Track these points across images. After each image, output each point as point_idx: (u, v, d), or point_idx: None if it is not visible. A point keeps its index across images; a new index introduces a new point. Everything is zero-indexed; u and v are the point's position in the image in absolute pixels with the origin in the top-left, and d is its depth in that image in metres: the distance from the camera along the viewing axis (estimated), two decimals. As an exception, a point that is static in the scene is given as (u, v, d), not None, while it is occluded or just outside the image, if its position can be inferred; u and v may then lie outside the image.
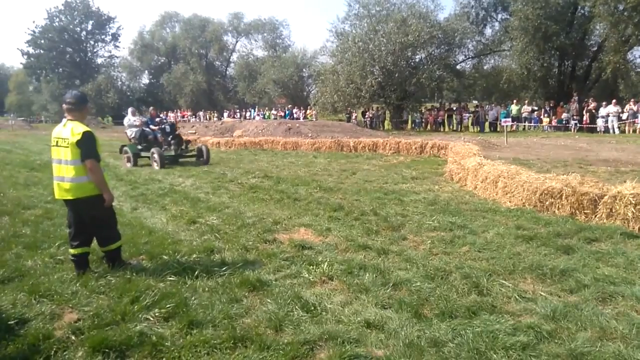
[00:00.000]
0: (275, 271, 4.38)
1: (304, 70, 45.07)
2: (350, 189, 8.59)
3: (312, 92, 42.39)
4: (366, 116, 31.12)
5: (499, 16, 32.69)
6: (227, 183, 9.56)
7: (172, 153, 12.96)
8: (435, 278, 4.09)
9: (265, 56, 49.57)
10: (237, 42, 55.09)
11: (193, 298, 3.74)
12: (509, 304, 3.60)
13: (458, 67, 33.16)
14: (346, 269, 4.31)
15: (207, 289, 3.94)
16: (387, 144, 15.86)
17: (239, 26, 53.42)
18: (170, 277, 4.19)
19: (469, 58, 33.89)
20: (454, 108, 29.57)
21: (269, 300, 3.68)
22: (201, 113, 45.40)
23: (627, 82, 28.86)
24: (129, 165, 12.95)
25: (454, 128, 27.38)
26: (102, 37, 61.64)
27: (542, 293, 3.78)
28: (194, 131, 26.93)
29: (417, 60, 30.73)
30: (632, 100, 22.93)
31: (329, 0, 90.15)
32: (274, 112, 37.87)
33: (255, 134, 21.64)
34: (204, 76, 51.99)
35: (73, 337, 3.19)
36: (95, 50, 62.61)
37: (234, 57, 55.35)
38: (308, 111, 34.51)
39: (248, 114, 41.01)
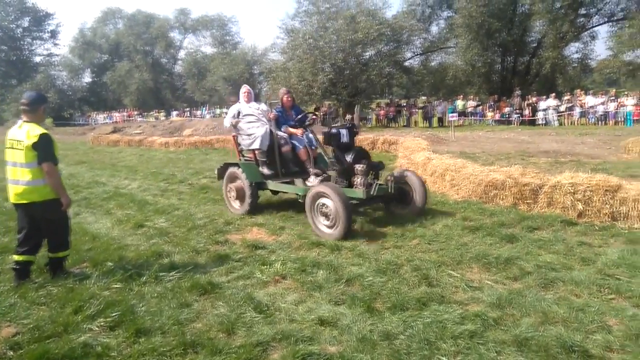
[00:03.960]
0: (227, 273, 4.30)
1: (254, 67, 44.62)
2: (303, 186, 8.57)
3: (264, 89, 42.05)
4: (319, 113, 31.22)
5: (444, 14, 33.66)
6: (177, 184, 9.31)
7: (362, 194, 5.58)
8: (386, 272, 4.15)
9: (214, 53, 48.68)
10: (184, 38, 53.82)
11: (140, 305, 3.61)
12: (457, 294, 3.70)
13: (406, 63, 33.82)
14: (300, 267, 4.30)
15: (155, 294, 3.81)
16: (339, 140, 15.92)
17: (185, 22, 52.15)
18: (115, 284, 4.03)
19: (416, 55, 34.62)
20: (404, 104, 30.17)
21: (220, 303, 3.61)
22: (152, 112, 44.01)
23: (564, 76, 30.45)
24: (238, 207, 6.55)
25: (404, 124, 27.95)
26: (40, 34, 58.29)
27: (488, 282, 3.92)
28: (140, 131, 26.07)
29: (367, 57, 31.07)
30: (568, 93, 24.26)
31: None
32: (225, 110, 37.28)
33: (206, 132, 21.22)
34: (150, 74, 50.36)
35: (11, 353, 3.00)
36: (32, 48, 59.13)
37: (182, 54, 54.06)
38: (260, 109, 34.18)
39: (198, 112, 40.13)
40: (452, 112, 22.61)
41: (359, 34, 27.26)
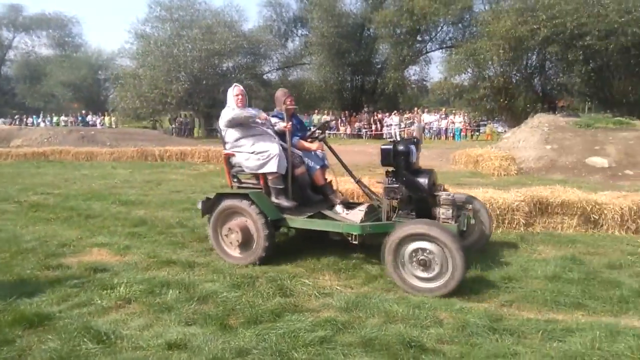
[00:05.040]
0: (60, 301, 3.80)
1: (100, 72, 41.15)
2: (155, 201, 8.08)
3: (111, 96, 38.96)
4: (174, 124, 29.91)
5: (300, 32, 35.05)
6: (0, 202, 8.06)
7: (454, 229, 4.24)
8: (242, 286, 4.07)
9: (52, 55, 43.72)
10: (14, 37, 47.39)
11: (-58, 349, 2.99)
12: (310, 302, 3.79)
13: (265, 77, 34.39)
14: (147, 289, 3.99)
15: (-36, 334, 3.20)
16: (196, 152, 15.45)
17: (16, 20, 46.00)
18: None
19: (274, 69, 35.45)
20: (262, 116, 30.49)
21: (50, 337, 3.17)
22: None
23: (405, 96, 33.80)
24: (239, 255, 4.76)
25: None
26: None
27: (338, 287, 4.09)
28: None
29: (224, 68, 30.85)
30: (409, 111, 26.99)
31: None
32: (64, 118, 33.58)
33: (39, 143, 18.80)
34: (-31, 75, 43.33)
35: None
36: None
37: (11, 54, 47.52)
38: (107, 117, 31.55)
39: (30, 120, 35.51)
40: (308, 126, 23.40)
41: (215, 45, 26.92)
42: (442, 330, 3.24)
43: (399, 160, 4.58)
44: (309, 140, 5.29)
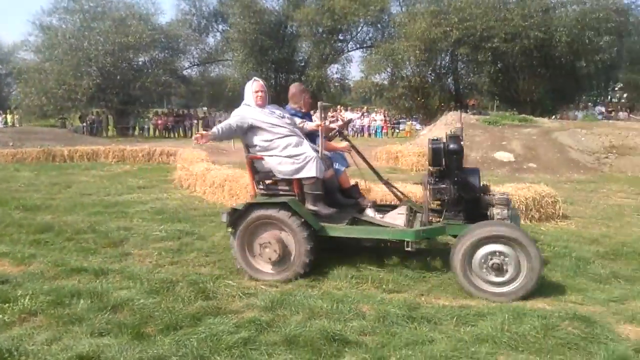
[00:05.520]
0: (-49, 319, 3.41)
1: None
2: (63, 204, 7.51)
3: (14, 93, 35.74)
4: (85, 121, 28.00)
5: (220, 27, 34.27)
6: None
7: None
8: (160, 291, 3.90)
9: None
10: None
11: None
12: (234, 303, 3.71)
13: (184, 73, 33.27)
14: (54, 300, 3.69)
15: None
16: (109, 151, 14.60)
17: None
18: None
19: (194, 65, 34.39)
20: (184, 113, 29.50)
21: (-62, 360, 2.83)
22: None
23: (328, 94, 34.24)
24: (271, 271, 4.29)
25: (184, 134, 27.32)
26: None
27: (263, 286, 4.05)
28: None
29: (140, 63, 29.41)
30: (332, 109, 27.35)
31: (30, -13, 77.24)
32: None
33: None
34: None
35: None
36: None
37: None
38: (8, 116, 28.88)
39: None
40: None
41: (129, 38, 25.57)
42: (364, 322, 3.32)
43: (451, 160, 4.30)
44: (334, 139, 4.93)
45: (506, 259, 3.75)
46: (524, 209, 6.38)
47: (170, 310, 3.49)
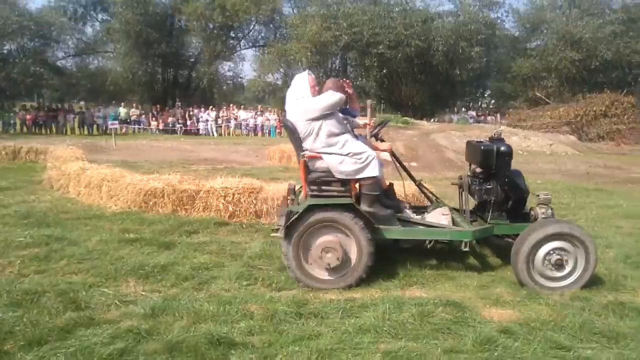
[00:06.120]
0: None
1: None
2: None
3: None
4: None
5: (100, 16, 31.83)
6: None
7: None
8: (23, 304, 3.47)
9: None
10: None
11: None
12: (109, 312, 3.43)
13: (59, 64, 30.31)
14: None
15: None
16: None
17: None
18: None
19: (70, 56, 31.50)
20: (57, 108, 26.81)
21: None
22: None
23: (220, 91, 33.52)
24: (328, 277, 4.00)
25: (58, 131, 24.85)
26: None
27: (144, 292, 3.80)
28: None
29: (5, 51, 26.21)
30: (225, 107, 26.83)
31: None
32: None
33: None
34: None
35: None
36: None
37: None
38: None
39: None
40: (113, 120, 21.54)
41: (-9, 23, 22.67)
42: (252, 323, 3.26)
43: (502, 161, 4.34)
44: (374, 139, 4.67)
45: (566, 255, 3.92)
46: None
47: (34, 324, 3.12)
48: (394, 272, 4.35)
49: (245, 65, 76.21)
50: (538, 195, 4.42)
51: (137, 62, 27.18)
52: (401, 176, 4.76)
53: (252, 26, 31.32)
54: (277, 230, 4.06)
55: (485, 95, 37.24)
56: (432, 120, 25.66)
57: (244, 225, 5.91)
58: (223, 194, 6.20)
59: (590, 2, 27.33)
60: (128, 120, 24.57)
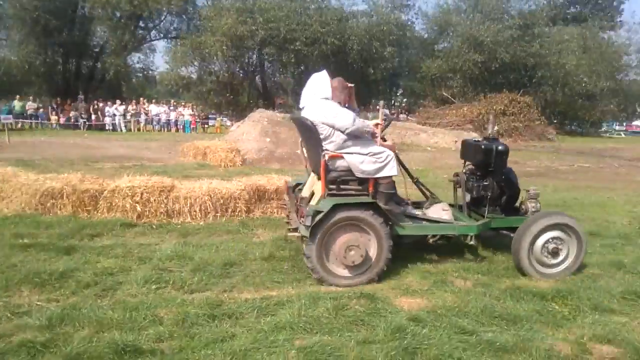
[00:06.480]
0: None
1: None
2: None
3: None
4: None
5: (-11, 0, 28.68)
6: None
7: None
8: None
9: None
10: None
11: None
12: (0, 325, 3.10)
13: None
14: None
15: None
16: None
17: None
18: None
19: (-47, 41, 28.13)
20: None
21: None
22: None
23: (129, 84, 31.70)
24: (348, 274, 4.06)
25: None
26: None
27: (39, 302, 3.47)
28: None
29: None
30: (134, 101, 25.43)
31: None
32: None
33: None
34: None
35: None
36: None
37: None
38: None
39: None
40: (7, 114, 19.66)
41: None
42: (161, 328, 3.11)
43: (499, 159, 4.62)
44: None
45: (562, 244, 4.26)
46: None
47: None
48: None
49: (157, 58, 72.92)
50: (528, 191, 4.73)
51: (34, 51, 24.85)
52: (402, 174, 4.86)
53: (163, 16, 29.95)
54: (294, 230, 4.17)
55: (398, 94, 38.74)
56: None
57: (154, 226, 5.62)
58: (130, 194, 5.85)
59: (491, 8, 29.36)
60: (24, 114, 22.48)
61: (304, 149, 4.71)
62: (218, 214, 6.07)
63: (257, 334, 3.05)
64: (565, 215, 4.41)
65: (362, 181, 4.27)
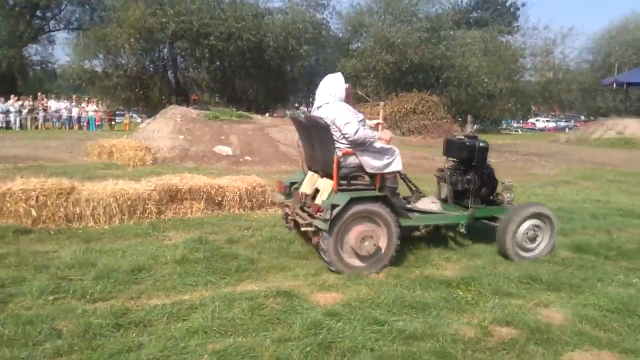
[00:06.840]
0: None
1: None
2: None
3: None
4: None
5: None
6: None
7: None
8: None
9: None
10: None
11: None
12: None
13: None
14: None
15: None
16: None
17: None
18: None
19: None
20: None
21: None
22: None
23: (26, 78, 29.02)
24: (360, 264, 4.32)
25: None
26: None
27: None
28: None
29: None
30: (30, 96, 23.30)
31: None
32: None
33: None
34: None
35: None
36: None
37: None
38: None
39: None
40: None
41: None
42: (60, 342, 2.86)
43: (482, 155, 5.08)
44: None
45: (539, 230, 4.78)
46: (239, 199, 6.73)
47: None
48: (225, 267, 4.28)
49: (58, 50, 67.49)
50: (503, 182, 5.22)
51: None
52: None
53: (63, 6, 27.75)
54: (309, 225, 4.33)
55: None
56: (267, 114, 26.08)
57: (52, 232, 5.16)
58: (24, 197, 5.32)
59: (401, 10, 30.60)
60: None
61: (304, 149, 5.02)
62: (125, 217, 5.73)
63: (167, 341, 2.90)
64: (544, 206, 4.98)
65: (371, 176, 4.64)
